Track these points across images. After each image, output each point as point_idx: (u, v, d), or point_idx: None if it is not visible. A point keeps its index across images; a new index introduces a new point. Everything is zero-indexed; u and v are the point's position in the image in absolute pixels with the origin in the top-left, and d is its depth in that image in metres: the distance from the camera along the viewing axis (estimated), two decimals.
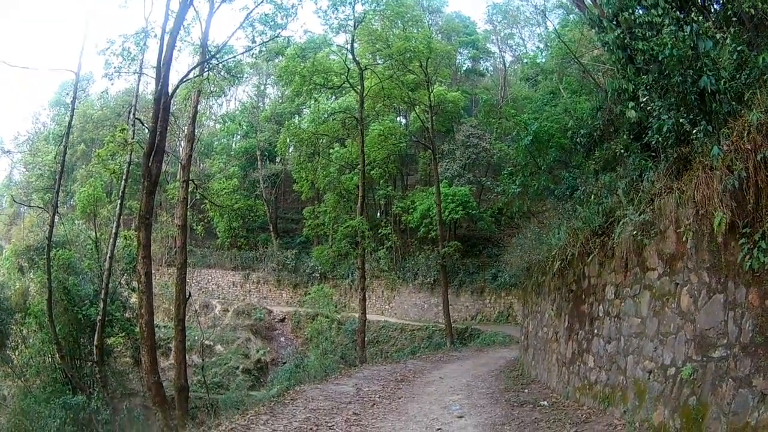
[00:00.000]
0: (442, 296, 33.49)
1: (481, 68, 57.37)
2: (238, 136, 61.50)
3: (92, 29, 76.39)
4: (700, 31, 7.67)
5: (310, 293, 45.11)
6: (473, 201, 40.77)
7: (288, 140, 44.55)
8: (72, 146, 46.86)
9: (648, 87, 8.69)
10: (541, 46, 44.15)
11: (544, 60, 39.26)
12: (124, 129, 22.23)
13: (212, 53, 20.67)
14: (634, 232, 8.16)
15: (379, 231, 40.68)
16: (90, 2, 63.18)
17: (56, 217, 25.17)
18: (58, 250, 26.13)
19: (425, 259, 41.73)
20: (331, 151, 42.76)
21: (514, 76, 51.46)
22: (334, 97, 43.04)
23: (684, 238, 7.06)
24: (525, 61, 49.13)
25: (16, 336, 26.69)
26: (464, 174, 42.73)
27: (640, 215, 8.10)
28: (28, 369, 24.68)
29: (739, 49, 7.54)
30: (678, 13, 8.41)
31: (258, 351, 41.49)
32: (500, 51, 57.07)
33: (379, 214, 50.80)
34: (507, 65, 54.95)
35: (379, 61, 35.62)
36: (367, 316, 29.80)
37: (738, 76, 7.46)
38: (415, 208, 41.74)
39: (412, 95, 36.55)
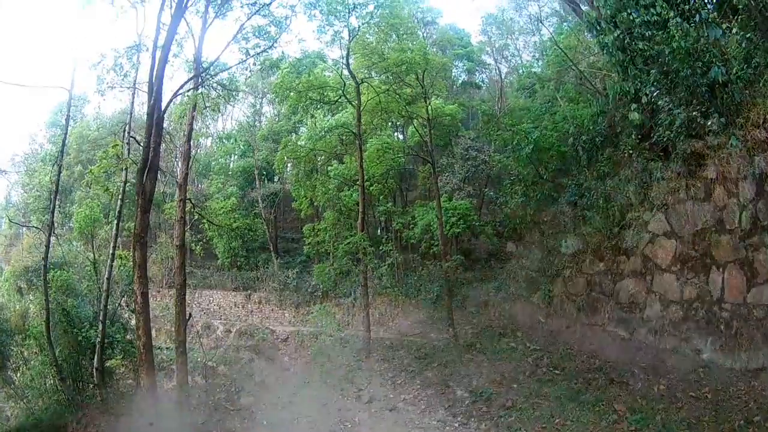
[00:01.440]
0: (446, 311, 33.06)
1: (477, 80, 57.19)
2: (236, 156, 61.23)
3: (84, 45, 76.08)
4: (709, 19, 7.41)
5: (312, 312, 44.62)
6: (474, 214, 40.37)
7: (286, 158, 44.23)
8: (69, 167, 46.73)
9: (654, 83, 8.43)
10: (537, 55, 43.99)
11: (540, 69, 39.08)
12: (117, 145, 21.98)
13: (205, 68, 20.52)
14: (648, 234, 7.83)
15: (380, 247, 40.32)
16: (80, 18, 62.99)
17: (53, 237, 24.98)
18: (56, 272, 25.98)
19: (428, 275, 41.32)
20: (329, 167, 42.51)
21: (511, 87, 51.26)
22: (330, 114, 42.83)
23: (702, 237, 6.73)
24: (521, 70, 48.96)
25: (17, 358, 26.46)
26: (464, 187, 42.38)
27: (653, 216, 7.78)
28: (30, 391, 24.41)
29: (747, 36, 7.28)
30: (684, 5, 8.16)
31: (261, 371, 41.04)
32: (496, 62, 56.88)
33: (379, 230, 50.28)
34: (503, 76, 54.84)
35: (375, 76, 35.49)
36: (371, 333, 29.51)
37: (747, 65, 7.19)
38: (415, 224, 41.25)
39: (410, 109, 36.37)
